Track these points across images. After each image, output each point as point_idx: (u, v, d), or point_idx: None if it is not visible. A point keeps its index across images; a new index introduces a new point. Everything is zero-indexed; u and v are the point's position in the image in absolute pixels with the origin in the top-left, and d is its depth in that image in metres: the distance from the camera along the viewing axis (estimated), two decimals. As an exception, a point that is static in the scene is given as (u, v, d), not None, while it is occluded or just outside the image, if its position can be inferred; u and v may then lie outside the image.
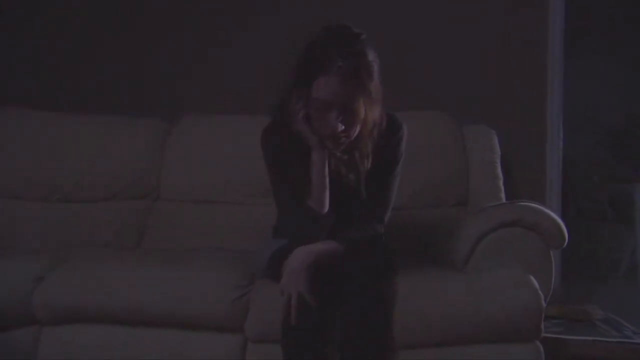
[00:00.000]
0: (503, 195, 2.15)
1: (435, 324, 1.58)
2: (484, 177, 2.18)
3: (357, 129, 1.52)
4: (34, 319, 1.76)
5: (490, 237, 1.67)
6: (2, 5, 2.60)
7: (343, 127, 1.49)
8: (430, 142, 2.16)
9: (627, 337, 1.95)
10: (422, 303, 1.59)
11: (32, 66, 2.62)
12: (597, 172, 3.33)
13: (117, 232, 2.25)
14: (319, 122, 1.51)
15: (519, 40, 2.44)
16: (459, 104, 2.38)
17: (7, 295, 1.75)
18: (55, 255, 1.93)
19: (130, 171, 2.30)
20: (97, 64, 2.60)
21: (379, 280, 1.50)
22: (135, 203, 2.31)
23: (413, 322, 1.57)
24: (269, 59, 2.40)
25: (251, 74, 2.51)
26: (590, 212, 3.20)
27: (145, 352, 1.69)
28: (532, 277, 1.61)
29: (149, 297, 1.70)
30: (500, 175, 2.18)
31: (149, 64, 2.56)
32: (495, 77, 2.44)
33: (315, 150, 1.55)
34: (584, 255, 2.97)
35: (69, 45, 2.62)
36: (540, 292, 1.57)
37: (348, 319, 1.45)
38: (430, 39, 2.47)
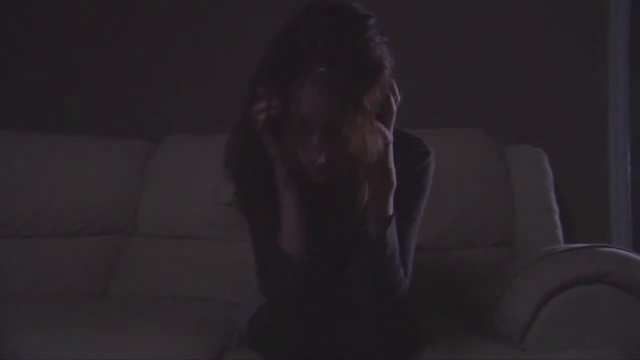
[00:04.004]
0: (560, 233, 1.66)
1: None
2: (533, 209, 1.71)
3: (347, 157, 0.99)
4: None
5: (561, 297, 1.11)
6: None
7: (323, 159, 0.98)
8: (465, 166, 1.72)
9: None
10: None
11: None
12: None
13: (81, 275, 1.83)
14: (296, 144, 1.00)
15: (572, 43, 1.97)
16: (500, 120, 1.92)
17: None
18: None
19: (101, 201, 1.88)
20: (73, 79, 2.19)
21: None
22: (106, 239, 1.90)
23: None
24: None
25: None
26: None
27: None
28: (633, 364, 1.03)
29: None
30: (556, 207, 1.70)
31: (132, 79, 2.16)
32: (544, 89, 1.98)
33: (279, 167, 1.04)
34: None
35: (41, 58, 2.20)
36: (653, 392, 0.98)
37: None
38: (464, 41, 2.01)
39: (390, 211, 1.04)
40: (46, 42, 2.17)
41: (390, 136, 1.00)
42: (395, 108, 1.01)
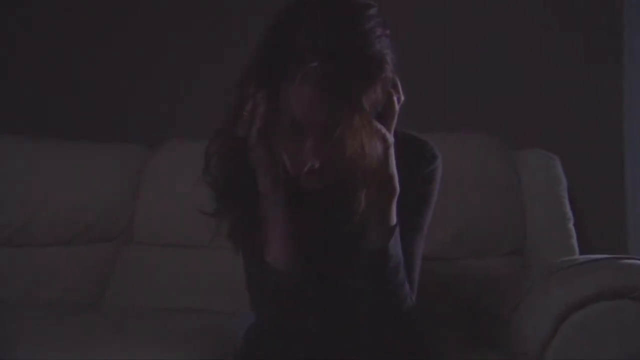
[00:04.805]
0: (575, 242, 1.57)
1: None
2: (546, 217, 1.62)
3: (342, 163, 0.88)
4: None
5: (581, 314, 1.01)
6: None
7: (315, 164, 0.88)
8: (473, 171, 1.64)
9: None
10: None
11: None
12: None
13: (73, 284, 1.77)
14: (285, 149, 0.91)
15: (582, 42, 1.88)
16: (510, 124, 1.82)
17: None
18: None
19: (96, 207, 1.82)
20: (69, 82, 2.11)
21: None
22: (101, 247, 1.83)
23: None
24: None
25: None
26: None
27: None
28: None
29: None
30: (570, 215, 1.60)
31: (131, 83, 2.09)
32: (554, 90, 1.88)
33: (263, 177, 0.93)
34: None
35: (37, 60, 2.13)
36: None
37: None
38: (466, 41, 1.91)
39: (394, 220, 0.94)
40: (43, 42, 2.11)
41: (390, 138, 0.90)
42: (397, 108, 0.91)
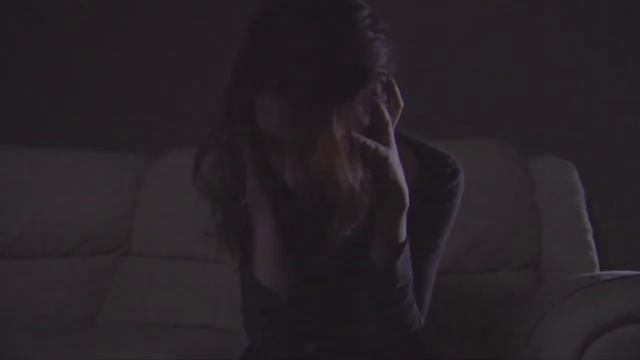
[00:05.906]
0: (595, 256, 1.47)
1: None
2: (563, 228, 1.53)
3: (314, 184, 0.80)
4: None
5: (608, 338, 0.91)
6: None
7: (291, 182, 0.80)
8: (485, 180, 1.55)
9: None
10: None
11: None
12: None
13: (70, 297, 1.71)
14: (272, 161, 0.82)
15: (597, 43, 1.78)
16: (522, 130, 1.73)
17: None
18: None
19: (93, 218, 1.77)
20: (67, 88, 2.07)
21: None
22: (98, 259, 1.78)
23: None
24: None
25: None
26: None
27: None
28: None
29: None
30: (589, 226, 1.51)
31: (131, 92, 2.04)
32: (566, 93, 1.79)
33: (250, 187, 0.85)
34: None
35: (33, 63, 2.08)
36: None
37: None
38: (480, 41, 1.83)
39: (402, 237, 0.84)
40: (41, 49, 2.06)
41: (385, 152, 0.78)
42: (388, 117, 0.79)
